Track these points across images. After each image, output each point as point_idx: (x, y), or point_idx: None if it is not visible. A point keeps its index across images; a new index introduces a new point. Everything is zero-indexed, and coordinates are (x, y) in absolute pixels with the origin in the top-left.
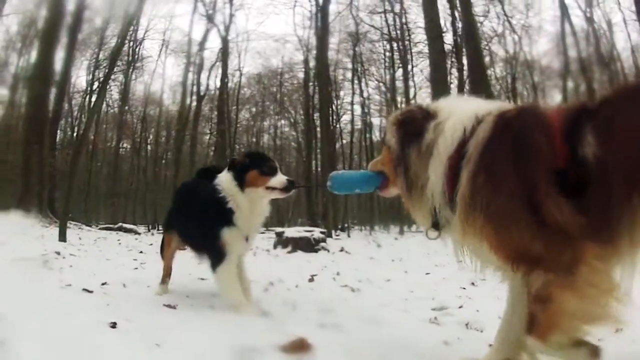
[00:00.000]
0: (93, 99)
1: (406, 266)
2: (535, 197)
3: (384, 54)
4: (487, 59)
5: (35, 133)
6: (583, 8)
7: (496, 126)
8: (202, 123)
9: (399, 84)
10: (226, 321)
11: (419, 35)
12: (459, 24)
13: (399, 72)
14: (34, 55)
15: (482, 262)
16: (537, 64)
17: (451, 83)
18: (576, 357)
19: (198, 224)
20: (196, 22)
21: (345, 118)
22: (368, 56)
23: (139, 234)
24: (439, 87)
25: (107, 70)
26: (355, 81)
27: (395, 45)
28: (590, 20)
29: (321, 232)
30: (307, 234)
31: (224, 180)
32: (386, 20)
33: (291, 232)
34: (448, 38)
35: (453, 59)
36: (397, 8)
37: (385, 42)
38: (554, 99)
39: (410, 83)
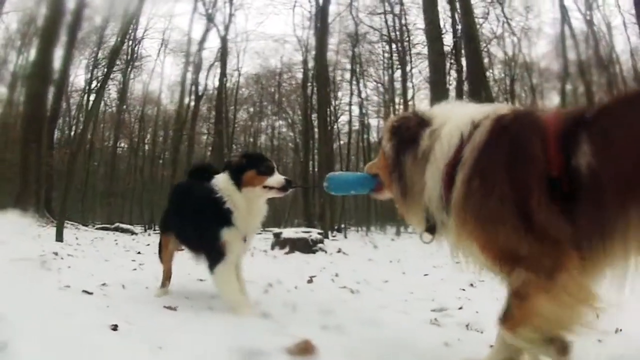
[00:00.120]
0: (91, 98)
1: (404, 267)
2: (526, 203)
3: (383, 55)
4: (485, 61)
5: (34, 132)
6: (583, 11)
7: (492, 131)
8: (200, 123)
9: (397, 85)
10: (227, 323)
11: (418, 37)
12: (459, 26)
13: (398, 73)
14: (33, 53)
15: (475, 263)
16: (536, 66)
17: (450, 85)
18: (544, 353)
19: (196, 224)
20: (196, 21)
21: (343, 119)
22: (367, 57)
23: (136, 234)
24: (438, 89)
25: (106, 70)
26: (354, 82)
27: (394, 46)
28: (589, 23)
29: (319, 233)
30: (305, 235)
31: (221, 180)
32: (386, 22)
33: (289, 233)
34: (447, 40)
35: (452, 61)
36: (396, 9)
37: (384, 43)
38: (552, 101)
39: (409, 84)
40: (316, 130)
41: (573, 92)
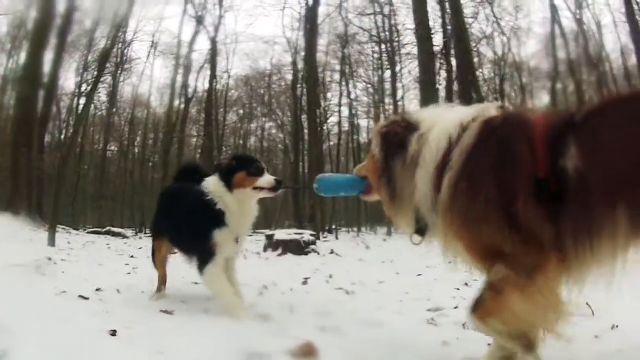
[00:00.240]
0: (81, 102)
1: (398, 268)
2: (512, 205)
3: (372, 56)
4: (475, 61)
5: (24, 135)
6: (573, 10)
7: (481, 134)
8: (190, 125)
9: (387, 85)
10: (226, 326)
11: (408, 37)
12: (449, 26)
13: (387, 74)
14: (23, 56)
15: (464, 263)
16: (526, 65)
17: (440, 85)
18: (510, 346)
19: (188, 227)
20: (185, 24)
21: (333, 120)
22: (356, 58)
23: (128, 237)
24: (428, 89)
25: (96, 74)
26: (343, 83)
27: (383, 47)
28: (579, 21)
29: (311, 235)
30: (297, 237)
31: (212, 183)
32: (375, 22)
33: (281, 234)
34: (437, 40)
35: (442, 61)
36: (386, 10)
37: (373, 44)
38: (542, 100)
39: (399, 85)
40: (306, 131)
41: (563, 91)
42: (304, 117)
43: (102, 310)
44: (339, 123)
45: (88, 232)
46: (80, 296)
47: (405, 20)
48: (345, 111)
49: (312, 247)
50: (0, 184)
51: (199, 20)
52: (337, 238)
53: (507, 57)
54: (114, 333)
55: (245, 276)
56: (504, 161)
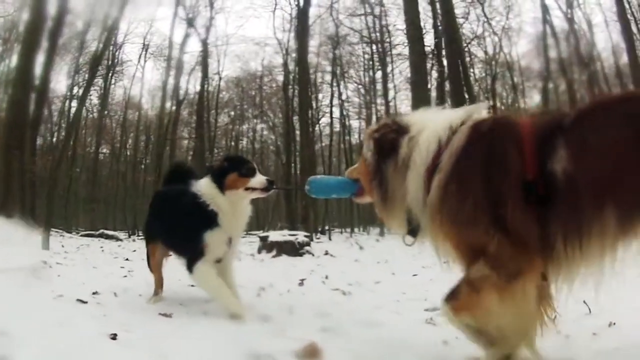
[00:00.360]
0: (73, 104)
1: (393, 268)
2: (500, 207)
3: (363, 57)
4: (466, 60)
5: (16, 138)
6: (564, 9)
7: (470, 137)
8: (181, 127)
9: (378, 86)
10: (226, 328)
11: (399, 38)
12: (440, 26)
13: (378, 74)
14: (14, 59)
15: (452, 262)
16: (517, 65)
17: (432, 85)
18: (474, 340)
19: (180, 228)
20: (176, 25)
21: (324, 120)
22: (347, 59)
23: (121, 240)
24: (419, 90)
25: (87, 76)
26: (334, 84)
27: (374, 47)
28: (570, 21)
29: (305, 236)
30: (292, 238)
31: (204, 185)
32: (366, 23)
33: (275, 236)
34: (428, 40)
35: (433, 61)
36: (377, 10)
37: (364, 45)
38: (534, 99)
39: (390, 85)
40: (298, 132)
41: (555, 90)
42: (295, 118)
43: (101, 313)
44: (331, 124)
45: (81, 235)
46: (78, 300)
47: (396, 20)
48: (337, 112)
49: (307, 248)
50: None
51: (190, 22)
52: (330, 239)
53: (498, 56)
54: (114, 336)
55: (241, 278)
56: (492, 163)
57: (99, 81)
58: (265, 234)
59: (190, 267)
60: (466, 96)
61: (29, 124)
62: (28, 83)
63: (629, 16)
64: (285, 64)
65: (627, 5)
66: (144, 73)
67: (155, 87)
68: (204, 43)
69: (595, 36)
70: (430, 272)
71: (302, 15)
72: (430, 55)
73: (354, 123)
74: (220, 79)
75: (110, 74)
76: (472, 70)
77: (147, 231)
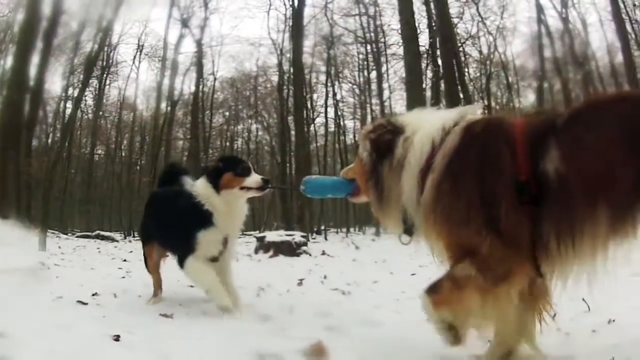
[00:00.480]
0: (68, 105)
1: (391, 267)
2: (493, 207)
3: (358, 57)
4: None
5: (12, 140)
6: (558, 9)
7: (463, 138)
8: (176, 128)
9: (373, 86)
10: (228, 328)
11: (393, 37)
12: (435, 25)
13: (373, 74)
14: (9, 60)
15: (443, 260)
16: (512, 64)
17: (426, 85)
18: (441, 333)
19: (175, 228)
20: (171, 26)
21: (319, 121)
22: (342, 59)
23: (117, 241)
24: (414, 90)
25: (82, 78)
26: (329, 84)
27: (369, 47)
28: (565, 20)
29: (302, 236)
30: (289, 238)
31: (200, 185)
32: (360, 23)
33: (272, 236)
34: (423, 39)
35: (428, 61)
36: (371, 11)
37: (359, 45)
38: (528, 99)
39: (385, 85)
40: (293, 132)
41: (549, 90)
42: (290, 118)
43: (101, 315)
44: (325, 124)
45: (77, 236)
46: (79, 301)
47: (391, 20)
48: (331, 112)
49: (304, 248)
50: None
51: (184, 23)
52: (326, 239)
53: (492, 56)
54: (117, 338)
55: (239, 278)
56: (485, 164)
57: (93, 82)
58: (262, 234)
59: (181, 262)
60: (461, 96)
61: (24, 125)
62: (23, 84)
63: (623, 15)
64: (280, 64)
65: (621, 5)
66: (139, 74)
67: (150, 87)
68: (199, 43)
69: (590, 35)
70: (428, 271)
71: (296, 16)
72: (425, 55)
73: (349, 123)
74: (215, 79)
75: (104, 75)
76: (466, 69)
77: (144, 232)
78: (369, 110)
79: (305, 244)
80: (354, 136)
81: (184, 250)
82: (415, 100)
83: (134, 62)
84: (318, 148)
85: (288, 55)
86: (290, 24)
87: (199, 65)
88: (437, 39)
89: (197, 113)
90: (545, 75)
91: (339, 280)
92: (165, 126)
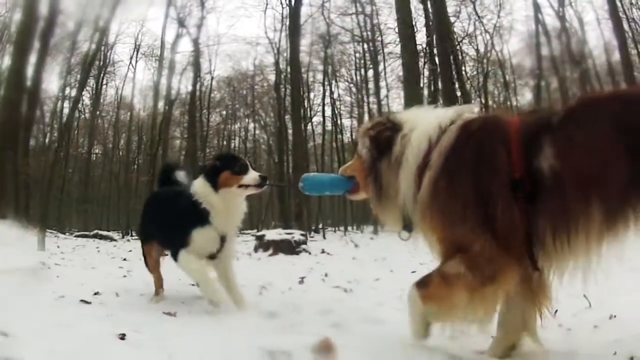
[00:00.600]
0: (65, 105)
1: (391, 265)
2: (488, 203)
3: (355, 56)
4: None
5: (9, 139)
6: (555, 7)
7: (459, 136)
8: (173, 127)
9: (370, 84)
10: (233, 325)
11: (390, 36)
12: (432, 23)
13: (370, 73)
14: (6, 60)
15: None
16: (509, 62)
17: (424, 84)
18: (416, 325)
19: (173, 226)
20: (168, 25)
21: (316, 119)
22: (339, 58)
23: (116, 240)
24: (411, 88)
25: (80, 78)
26: (326, 83)
27: (366, 46)
28: (562, 18)
29: (301, 235)
30: (288, 237)
31: (198, 185)
32: (357, 22)
33: (272, 234)
34: (420, 37)
35: (425, 59)
36: (368, 9)
37: (356, 44)
38: (525, 97)
39: (382, 83)
40: (290, 131)
41: (546, 88)
42: (287, 117)
43: (105, 314)
44: (323, 123)
45: (76, 236)
46: (82, 300)
47: (387, 19)
48: (328, 111)
49: (303, 246)
50: None
51: (181, 22)
52: (324, 237)
53: (489, 54)
54: (122, 336)
55: (240, 276)
56: (481, 161)
57: (90, 82)
58: (261, 232)
59: (175, 255)
60: (458, 94)
61: (22, 125)
62: (21, 84)
63: (620, 14)
64: (276, 63)
65: (618, 3)
66: (136, 73)
67: (147, 87)
68: (196, 43)
69: (587, 34)
70: (428, 268)
71: (293, 15)
72: (422, 54)
73: (346, 122)
74: (212, 78)
75: (102, 75)
76: (463, 68)
77: (143, 231)
78: (366, 109)
79: (304, 242)
80: (351, 135)
81: (178, 245)
82: (412, 98)
83: (131, 62)
84: (315, 147)
85: (285, 54)
86: (287, 23)
87: (196, 64)
88: (434, 37)
89: (194, 112)
90: (542, 73)
91: (340, 278)
92: (162, 125)
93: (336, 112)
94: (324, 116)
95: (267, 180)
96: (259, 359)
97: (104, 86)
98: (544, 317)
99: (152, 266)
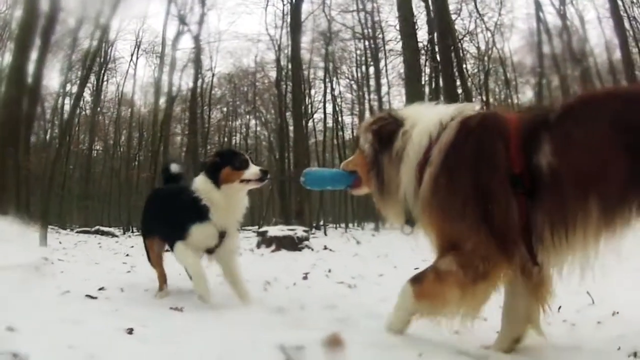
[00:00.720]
0: (66, 101)
1: (394, 262)
2: (487, 200)
3: (356, 53)
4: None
5: (11, 136)
6: (556, 5)
7: (458, 133)
8: (174, 124)
9: (371, 82)
10: (241, 320)
11: (391, 34)
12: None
13: (371, 70)
14: (7, 57)
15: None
16: (510, 60)
17: (425, 81)
18: (399, 317)
19: (173, 221)
20: (168, 22)
21: (317, 116)
22: (340, 55)
23: (117, 236)
24: (413, 86)
25: (81, 75)
26: (327, 80)
27: (367, 43)
28: (563, 17)
29: (304, 231)
30: (291, 233)
31: (199, 181)
32: (358, 19)
33: (274, 230)
34: (421, 35)
35: (427, 57)
36: (369, 7)
37: (357, 41)
38: (526, 95)
39: (383, 81)
40: (291, 128)
41: (547, 86)
42: (288, 114)
43: (111, 309)
44: (324, 120)
45: (77, 232)
46: (88, 295)
47: (388, 17)
48: (329, 108)
49: (306, 242)
50: None
51: (182, 19)
52: (325, 234)
53: (490, 52)
54: (130, 331)
55: (244, 272)
56: (480, 157)
57: (91, 78)
58: (263, 229)
59: (172, 244)
60: (459, 92)
61: (23, 122)
62: (22, 81)
63: (621, 13)
64: (277, 60)
65: (619, 2)
66: (137, 70)
67: (147, 83)
68: (196, 40)
69: (588, 32)
70: None
71: (294, 12)
72: (424, 51)
73: (347, 119)
74: (212, 75)
75: (102, 71)
76: (464, 65)
77: (144, 226)
78: (367, 106)
79: (307, 239)
80: (352, 132)
81: (177, 237)
82: (414, 96)
83: (131, 59)
84: (317, 144)
85: (286, 51)
86: (288, 19)
87: (196, 61)
88: (436, 34)
89: (195, 109)
90: (543, 71)
91: (344, 274)
92: (163, 122)
93: (337, 109)
94: (325, 113)
95: (268, 174)
96: (270, 353)
97: (105, 83)
98: (548, 311)
99: (155, 260)
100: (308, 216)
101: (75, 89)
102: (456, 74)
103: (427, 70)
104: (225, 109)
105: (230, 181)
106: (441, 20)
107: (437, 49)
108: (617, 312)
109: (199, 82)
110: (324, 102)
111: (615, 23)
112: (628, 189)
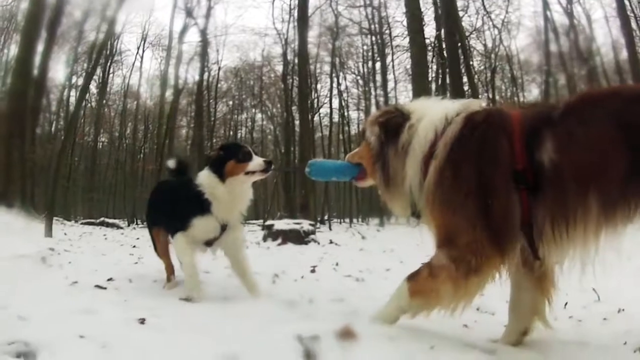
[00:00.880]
0: (72, 93)
1: (400, 256)
2: (489, 196)
3: (362, 48)
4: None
5: (17, 128)
6: (564, 4)
7: (463, 128)
8: (180, 116)
9: (377, 77)
10: (253, 312)
11: (398, 29)
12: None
13: (377, 65)
14: (13, 49)
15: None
16: (516, 58)
17: (433, 78)
18: (392, 313)
19: (176, 212)
20: (175, 15)
21: (323, 111)
22: (346, 50)
23: (123, 228)
24: (420, 82)
25: (88, 67)
26: (334, 74)
27: (373, 38)
28: (570, 15)
29: (310, 225)
30: (297, 227)
31: (204, 176)
32: (365, 14)
33: (280, 224)
34: (429, 31)
35: (434, 53)
36: (376, 2)
37: (363, 36)
38: (532, 93)
39: (389, 76)
40: (297, 122)
41: (554, 84)
42: (294, 108)
43: (121, 299)
44: (330, 114)
45: (82, 223)
46: (97, 286)
47: (395, 12)
48: (335, 103)
49: (312, 236)
50: None
51: (189, 12)
52: (330, 229)
53: (497, 49)
54: (142, 321)
55: (252, 265)
56: (484, 153)
57: (97, 70)
58: (269, 222)
59: (172, 234)
60: (466, 88)
61: (29, 114)
62: (28, 73)
63: (628, 12)
64: (284, 55)
65: (626, 2)
66: (143, 62)
67: (153, 76)
68: (203, 33)
69: (594, 31)
70: None
71: (301, 6)
72: (431, 47)
73: (353, 114)
74: (219, 68)
75: (108, 64)
76: (471, 62)
77: (150, 217)
78: (373, 101)
79: (313, 233)
80: (358, 127)
81: (178, 228)
82: (421, 92)
83: (138, 51)
84: (322, 138)
85: (293, 45)
86: (295, 14)
87: (203, 54)
88: (443, 31)
89: (201, 102)
90: (550, 70)
91: (351, 268)
92: (169, 115)
93: (343, 104)
94: (331, 108)
95: (272, 164)
96: (287, 343)
97: (111, 75)
98: (552, 305)
99: (161, 250)
100: (313, 210)
101: (81, 81)
102: (463, 71)
103: (434, 66)
104: (231, 103)
105: (235, 174)
106: (449, 17)
107: (444, 46)
108: (623, 309)
109: (205, 75)
110: (330, 97)
111: (622, 22)
112: (628, 186)
